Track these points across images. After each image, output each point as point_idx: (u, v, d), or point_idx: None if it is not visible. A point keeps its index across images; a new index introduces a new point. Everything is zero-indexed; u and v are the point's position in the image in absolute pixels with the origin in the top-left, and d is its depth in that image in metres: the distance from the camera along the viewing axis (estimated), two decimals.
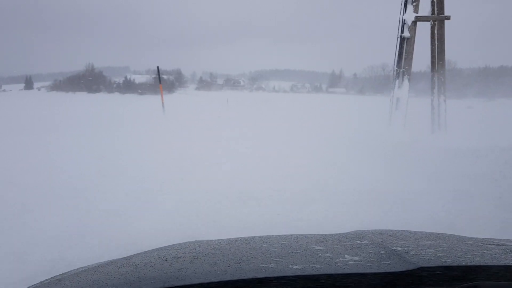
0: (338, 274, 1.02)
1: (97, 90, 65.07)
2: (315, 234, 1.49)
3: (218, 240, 1.43)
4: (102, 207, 4.11)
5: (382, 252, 1.20)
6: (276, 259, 1.14)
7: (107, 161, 6.47)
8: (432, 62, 10.48)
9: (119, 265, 1.22)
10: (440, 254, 1.21)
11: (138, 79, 78.19)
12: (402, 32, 10.41)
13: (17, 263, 2.85)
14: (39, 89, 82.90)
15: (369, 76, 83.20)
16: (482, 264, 1.10)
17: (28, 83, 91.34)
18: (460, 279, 1.01)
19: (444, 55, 10.31)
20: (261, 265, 1.08)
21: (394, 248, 1.23)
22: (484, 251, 1.27)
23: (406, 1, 10.32)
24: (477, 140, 8.25)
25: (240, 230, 3.40)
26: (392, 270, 1.03)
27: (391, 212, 3.93)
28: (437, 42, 10.23)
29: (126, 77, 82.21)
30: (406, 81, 10.40)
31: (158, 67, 16.21)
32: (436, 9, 10.21)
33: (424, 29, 10.51)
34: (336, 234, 1.49)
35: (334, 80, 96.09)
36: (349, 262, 1.09)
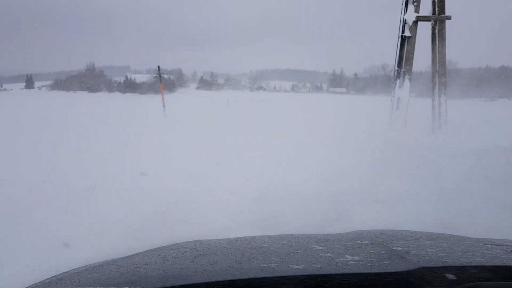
0: (338, 274, 1.02)
1: (98, 90, 65.05)
2: (315, 234, 1.49)
3: (219, 239, 1.43)
4: (102, 207, 4.11)
5: (382, 252, 1.20)
6: (276, 258, 1.14)
7: (107, 160, 6.47)
8: (433, 62, 10.48)
9: (119, 264, 1.22)
10: (441, 254, 1.21)
11: (139, 78, 78.23)
12: (403, 32, 10.39)
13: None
14: (39, 88, 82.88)
15: (369, 76, 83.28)
16: (482, 264, 1.10)
17: (29, 82, 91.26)
18: (461, 279, 1.00)
19: (445, 55, 10.30)
20: (261, 265, 1.08)
21: (395, 248, 1.23)
22: (485, 252, 1.27)
23: (407, 1, 10.30)
24: (478, 140, 8.24)
25: (239, 229, 3.40)
26: (393, 270, 1.03)
27: (390, 212, 3.92)
28: (438, 42, 10.22)
29: (126, 77, 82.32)
30: (407, 81, 10.39)
31: (159, 66, 16.36)
32: (437, 9, 10.19)
33: (425, 29, 10.52)
34: (337, 234, 1.49)
35: (335, 80, 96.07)
36: (350, 262, 1.09)
